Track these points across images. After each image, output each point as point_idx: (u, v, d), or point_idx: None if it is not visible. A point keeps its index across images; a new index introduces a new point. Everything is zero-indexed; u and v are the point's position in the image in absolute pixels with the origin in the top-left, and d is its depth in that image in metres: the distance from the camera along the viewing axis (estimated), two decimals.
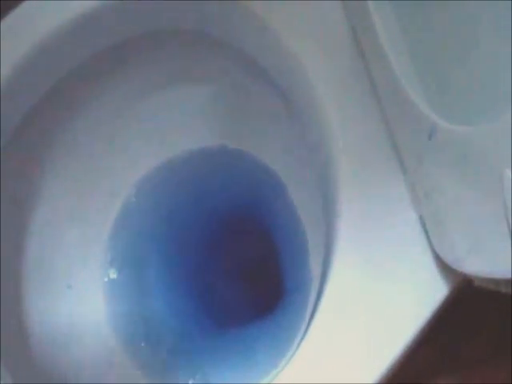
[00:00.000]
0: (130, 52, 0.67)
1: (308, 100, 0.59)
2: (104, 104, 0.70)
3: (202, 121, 0.73)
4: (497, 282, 0.43)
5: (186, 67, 0.70)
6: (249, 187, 0.73)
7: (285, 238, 0.71)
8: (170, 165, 0.74)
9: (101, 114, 0.70)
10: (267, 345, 0.67)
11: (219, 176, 0.74)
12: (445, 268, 0.50)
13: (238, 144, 0.73)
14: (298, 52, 0.58)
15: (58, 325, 0.68)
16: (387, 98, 0.55)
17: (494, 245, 0.41)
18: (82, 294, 0.70)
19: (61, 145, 0.70)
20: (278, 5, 0.59)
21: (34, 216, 0.69)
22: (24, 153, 0.67)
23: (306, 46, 0.58)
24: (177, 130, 0.73)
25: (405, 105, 0.49)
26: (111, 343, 0.69)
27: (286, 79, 0.63)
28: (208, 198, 0.74)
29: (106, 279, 0.71)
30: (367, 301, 0.52)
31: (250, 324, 0.69)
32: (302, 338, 0.52)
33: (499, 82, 0.41)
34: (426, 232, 0.52)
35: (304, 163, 0.65)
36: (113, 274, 0.72)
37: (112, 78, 0.69)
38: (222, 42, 0.66)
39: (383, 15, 0.53)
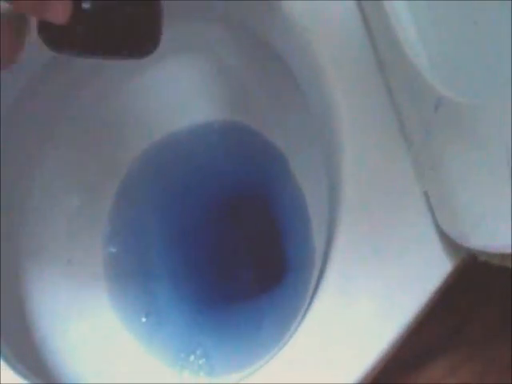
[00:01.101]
0: None
1: (313, 74, 0.58)
2: (107, 75, 0.70)
3: (205, 94, 0.73)
4: (502, 256, 0.42)
5: (187, 39, 0.70)
6: (251, 161, 0.73)
7: (287, 213, 0.70)
8: (172, 138, 0.73)
9: (104, 85, 0.70)
10: (270, 320, 0.67)
11: (221, 150, 0.74)
12: (449, 244, 0.50)
13: (241, 118, 0.72)
14: (304, 27, 0.58)
15: (58, 300, 0.68)
16: (394, 70, 0.54)
17: (499, 219, 0.41)
18: (82, 269, 0.70)
19: (63, 115, 0.69)
20: None
21: (33, 188, 0.69)
22: (25, 123, 0.66)
23: (312, 21, 0.58)
24: (179, 103, 0.73)
25: (411, 76, 0.49)
26: (111, 318, 0.69)
27: (292, 54, 0.62)
28: (210, 171, 0.74)
29: (106, 253, 0.71)
30: (370, 276, 0.52)
31: (253, 299, 0.69)
32: (305, 315, 0.52)
33: (505, 55, 0.40)
34: (431, 207, 0.52)
35: (308, 139, 0.65)
36: (113, 248, 0.71)
37: None
38: (227, 15, 0.65)
39: None
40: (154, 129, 0.73)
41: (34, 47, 0.58)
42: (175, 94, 0.72)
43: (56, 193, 0.70)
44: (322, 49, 0.57)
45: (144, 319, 0.69)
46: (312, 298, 0.52)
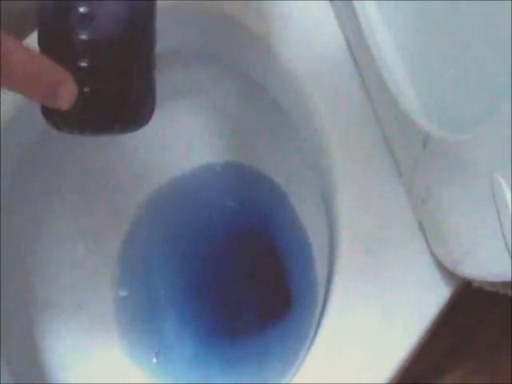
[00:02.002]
0: None
1: (307, 115, 0.60)
2: None
3: (205, 137, 0.74)
4: (493, 283, 0.44)
5: (186, 85, 0.72)
6: (253, 199, 0.74)
7: (289, 245, 0.72)
8: (176, 181, 0.74)
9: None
10: (278, 351, 0.68)
11: (224, 190, 0.75)
12: (446, 270, 0.52)
13: (241, 159, 0.74)
14: (294, 67, 0.59)
15: (70, 343, 0.68)
16: (381, 107, 0.56)
17: (488, 248, 0.42)
18: (93, 312, 0.71)
19: (69, 163, 0.70)
20: (275, 22, 0.61)
21: (42, 234, 0.69)
22: (33, 172, 0.67)
23: (302, 60, 0.60)
24: (181, 147, 0.74)
25: (399, 116, 0.51)
26: (123, 361, 0.69)
27: (283, 94, 0.64)
28: (214, 211, 0.75)
29: (116, 296, 0.72)
30: (372, 305, 0.53)
31: (259, 332, 0.70)
32: (311, 344, 0.53)
33: (487, 91, 0.42)
34: (425, 236, 0.53)
35: (306, 175, 0.66)
36: (123, 291, 0.72)
37: None
38: (223, 61, 0.67)
39: (375, 26, 0.54)
40: (158, 173, 0.74)
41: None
42: (177, 138, 0.74)
43: (64, 239, 0.71)
44: (315, 91, 0.59)
45: (154, 359, 0.70)
46: (316, 329, 0.54)
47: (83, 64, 0.38)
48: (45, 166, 0.68)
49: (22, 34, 0.62)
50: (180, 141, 0.74)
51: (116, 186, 0.73)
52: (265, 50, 0.61)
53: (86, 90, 0.38)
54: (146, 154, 0.74)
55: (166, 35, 0.64)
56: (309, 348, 0.54)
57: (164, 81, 0.69)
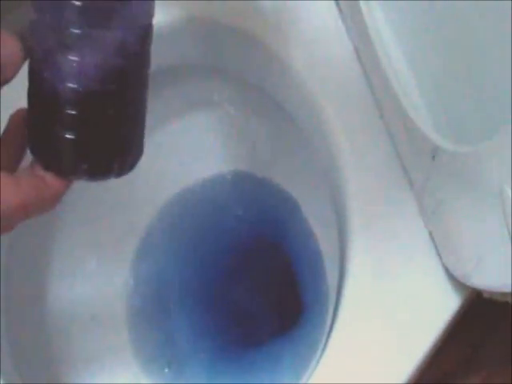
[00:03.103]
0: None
1: (317, 124, 0.61)
2: None
3: (215, 148, 0.75)
4: (504, 294, 0.44)
5: (195, 96, 0.72)
6: (264, 208, 0.75)
7: (301, 254, 0.72)
8: (187, 192, 0.75)
9: None
10: (290, 360, 0.68)
11: (235, 199, 0.76)
12: (456, 281, 0.52)
13: (252, 168, 0.74)
14: (306, 79, 0.60)
15: (84, 354, 0.69)
16: (392, 119, 0.56)
17: (497, 259, 0.42)
18: (106, 324, 0.71)
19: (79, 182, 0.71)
20: (288, 37, 0.61)
21: (55, 248, 0.70)
22: None
23: (313, 72, 0.60)
24: (192, 157, 0.75)
25: (408, 127, 0.51)
26: (135, 371, 0.70)
27: (296, 106, 0.65)
28: (225, 220, 0.75)
29: (129, 306, 0.72)
30: (382, 314, 0.53)
31: (272, 342, 0.71)
32: (322, 354, 0.54)
33: (496, 104, 0.42)
34: (436, 247, 0.53)
35: (317, 184, 0.67)
36: (136, 301, 0.73)
37: None
38: (231, 71, 0.68)
39: (384, 40, 0.54)
40: (170, 184, 0.75)
41: None
42: (189, 149, 0.74)
43: (77, 251, 0.71)
44: (327, 103, 0.59)
45: (167, 369, 0.70)
46: (327, 338, 0.54)
47: (70, 112, 0.37)
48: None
49: None
50: (192, 152, 0.75)
51: (128, 197, 0.73)
52: (277, 63, 0.62)
53: (72, 137, 0.38)
54: (159, 165, 0.73)
55: (181, 49, 0.66)
56: (320, 358, 0.54)
57: (178, 93, 0.71)
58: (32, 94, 0.38)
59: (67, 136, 0.38)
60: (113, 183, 0.72)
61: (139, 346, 0.71)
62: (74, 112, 0.37)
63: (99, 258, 0.73)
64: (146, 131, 0.74)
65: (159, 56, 0.65)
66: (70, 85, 0.36)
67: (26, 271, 0.67)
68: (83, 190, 0.71)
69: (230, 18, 0.62)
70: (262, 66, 0.65)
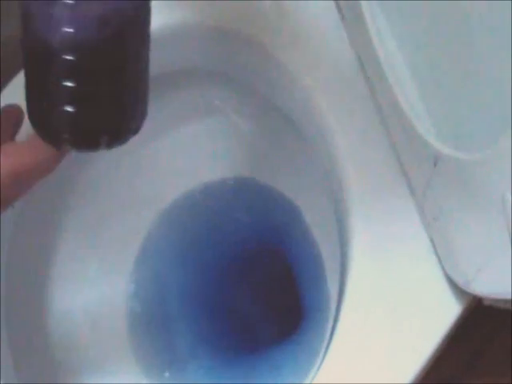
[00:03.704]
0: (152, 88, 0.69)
1: (318, 130, 0.61)
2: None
3: (217, 153, 0.75)
4: (505, 301, 0.44)
5: (198, 103, 0.72)
6: (266, 215, 0.75)
7: (302, 260, 0.72)
8: (188, 197, 0.75)
9: (121, 149, 0.71)
10: (290, 365, 0.68)
11: (237, 205, 0.76)
12: (457, 287, 0.52)
13: (254, 174, 0.74)
14: (308, 84, 0.60)
15: (84, 358, 0.69)
16: (393, 125, 0.56)
17: (499, 266, 0.42)
18: (106, 329, 0.71)
19: (82, 180, 0.71)
20: (289, 42, 0.61)
21: (56, 253, 0.70)
22: (46, 187, 0.67)
23: (315, 78, 0.60)
24: (194, 162, 0.75)
25: (410, 134, 0.51)
26: (136, 375, 0.70)
27: (298, 113, 0.65)
28: (227, 226, 0.75)
29: (130, 310, 0.72)
30: (383, 321, 0.53)
31: (272, 347, 0.71)
32: (323, 359, 0.54)
33: (499, 111, 0.42)
34: (437, 253, 0.53)
35: (319, 190, 0.67)
36: (136, 308, 0.73)
37: None
38: (233, 78, 0.68)
39: (386, 45, 0.54)
40: (171, 189, 0.75)
41: None
42: (188, 154, 0.74)
43: (77, 256, 0.71)
44: (328, 110, 0.59)
45: (167, 373, 0.70)
46: (328, 344, 0.54)
47: (68, 83, 0.36)
48: (57, 182, 0.68)
49: None
50: (194, 157, 0.75)
51: (130, 202, 0.74)
52: (279, 68, 0.62)
53: (72, 109, 0.37)
54: (160, 170, 0.74)
55: (181, 54, 0.66)
56: (320, 363, 0.54)
57: (180, 99, 0.71)
58: (27, 64, 0.38)
59: (63, 95, 0.37)
60: (114, 187, 0.73)
61: (139, 351, 0.71)
62: (70, 61, 0.36)
63: (100, 262, 0.73)
64: (148, 136, 0.74)
65: (160, 61, 0.66)
66: (66, 29, 0.35)
67: (27, 276, 0.67)
68: (85, 195, 0.71)
69: (230, 22, 0.63)
70: (264, 71, 0.65)
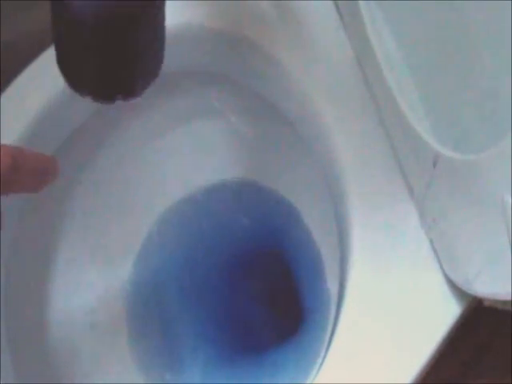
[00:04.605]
0: (150, 90, 0.69)
1: (316, 131, 0.61)
2: (124, 142, 0.72)
3: (218, 155, 0.75)
4: (505, 302, 0.44)
5: (199, 104, 0.72)
6: (265, 216, 0.75)
7: (302, 262, 0.72)
8: (189, 198, 0.75)
9: (121, 151, 0.72)
10: (290, 367, 0.68)
11: (237, 206, 0.76)
12: (457, 288, 0.52)
13: (253, 176, 0.75)
14: (306, 86, 0.60)
15: (83, 363, 0.69)
16: (392, 126, 0.56)
17: (498, 267, 0.42)
18: (105, 332, 0.71)
19: (80, 184, 0.71)
20: (289, 43, 0.62)
21: (54, 256, 0.70)
22: (45, 195, 0.68)
23: (314, 79, 0.60)
24: (194, 165, 0.75)
25: (409, 134, 0.51)
26: (136, 378, 0.70)
27: (296, 114, 0.65)
28: (227, 228, 0.75)
29: (129, 313, 0.72)
30: (382, 322, 0.53)
31: (272, 349, 0.71)
32: (323, 361, 0.54)
33: (499, 112, 0.43)
34: (437, 255, 0.53)
35: (318, 192, 0.67)
36: (136, 308, 0.73)
37: (131, 116, 0.71)
38: (236, 80, 0.68)
39: (385, 45, 0.55)
40: (170, 192, 0.75)
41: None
42: (188, 156, 0.75)
43: (76, 260, 0.71)
44: (326, 110, 0.59)
45: (167, 375, 0.70)
46: (328, 345, 0.54)
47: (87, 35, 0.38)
48: (57, 184, 0.68)
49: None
50: (194, 159, 0.75)
51: (130, 203, 0.74)
52: (279, 71, 0.62)
53: (89, 64, 0.39)
54: (160, 172, 0.74)
55: (180, 55, 0.66)
56: (320, 365, 0.54)
57: (180, 101, 0.72)
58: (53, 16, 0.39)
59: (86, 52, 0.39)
60: (112, 190, 0.73)
61: (139, 352, 0.71)
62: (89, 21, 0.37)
63: (99, 262, 0.73)
64: (148, 137, 0.74)
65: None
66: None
67: (27, 276, 0.67)
68: (84, 196, 0.72)
69: (230, 24, 0.63)
70: (263, 72, 0.65)
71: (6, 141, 0.59)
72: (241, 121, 0.73)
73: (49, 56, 0.63)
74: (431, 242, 0.54)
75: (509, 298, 0.42)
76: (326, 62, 0.61)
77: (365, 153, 0.58)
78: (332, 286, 0.66)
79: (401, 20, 0.54)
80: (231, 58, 0.66)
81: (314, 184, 0.67)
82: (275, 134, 0.71)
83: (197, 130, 0.74)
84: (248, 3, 0.62)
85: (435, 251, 0.53)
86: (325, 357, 0.54)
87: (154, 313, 0.73)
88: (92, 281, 0.72)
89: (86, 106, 0.65)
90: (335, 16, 0.62)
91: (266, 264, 0.74)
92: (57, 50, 0.41)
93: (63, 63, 0.42)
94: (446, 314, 0.53)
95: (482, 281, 0.45)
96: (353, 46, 0.60)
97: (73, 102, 0.63)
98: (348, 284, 0.55)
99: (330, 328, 0.57)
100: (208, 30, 0.64)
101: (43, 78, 0.63)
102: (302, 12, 0.62)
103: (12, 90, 0.64)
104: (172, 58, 0.65)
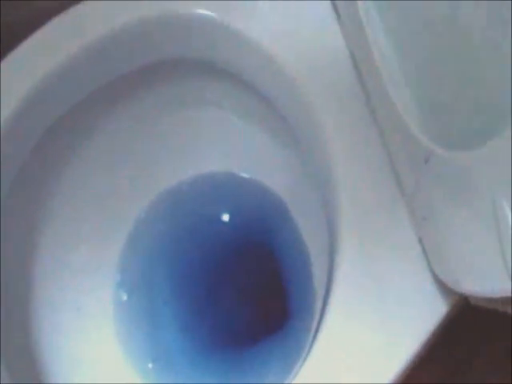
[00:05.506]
0: (140, 79, 0.69)
1: (308, 126, 0.61)
2: (115, 128, 0.72)
3: (209, 145, 0.75)
4: (491, 300, 0.44)
5: (192, 94, 0.72)
6: (254, 211, 0.75)
7: (289, 259, 0.72)
8: (178, 188, 0.75)
9: (111, 138, 0.72)
10: (275, 362, 0.68)
11: (226, 200, 0.76)
12: (444, 287, 0.52)
13: (243, 168, 0.75)
14: (299, 81, 0.60)
15: (68, 345, 0.69)
16: (385, 122, 0.56)
17: (486, 265, 0.43)
18: (91, 316, 0.71)
19: (71, 169, 0.71)
20: (281, 35, 0.61)
21: (43, 238, 0.70)
22: (34, 177, 0.68)
23: (307, 75, 0.60)
24: (185, 154, 0.75)
25: (401, 130, 0.51)
26: (120, 364, 0.70)
27: (289, 108, 0.65)
28: (215, 219, 0.76)
29: (115, 301, 0.72)
30: (369, 319, 0.53)
31: (258, 343, 0.71)
32: (307, 357, 0.54)
33: (491, 109, 0.43)
34: (426, 253, 0.53)
35: (307, 187, 0.67)
36: (122, 296, 0.73)
37: (123, 103, 0.71)
38: (228, 71, 0.67)
39: (380, 43, 0.55)
40: (159, 181, 0.75)
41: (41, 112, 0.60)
42: (178, 146, 0.75)
43: (65, 243, 0.71)
44: (320, 105, 0.59)
45: (151, 365, 0.70)
46: (312, 342, 0.54)
47: None
48: (45, 170, 0.69)
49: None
50: (183, 149, 0.75)
51: (118, 192, 0.74)
52: (271, 63, 0.62)
53: None
54: (149, 161, 0.75)
55: (175, 45, 0.66)
56: (302, 364, 0.54)
57: (171, 90, 0.72)
58: None
59: None
60: (102, 177, 0.73)
61: (124, 339, 0.71)
62: None
63: (86, 251, 0.73)
64: (137, 127, 0.74)
65: (152, 51, 0.66)
66: None
67: (13, 260, 0.66)
68: (72, 184, 0.71)
69: (226, 16, 0.63)
70: (257, 66, 0.65)
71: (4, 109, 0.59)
72: (234, 113, 0.73)
73: (37, 39, 0.63)
74: (420, 240, 0.54)
75: (495, 296, 0.42)
76: (320, 57, 0.61)
77: (358, 150, 0.58)
78: (319, 283, 0.66)
79: (396, 20, 0.54)
80: (221, 50, 0.66)
81: (306, 180, 0.68)
82: (269, 129, 0.71)
83: (188, 120, 0.74)
84: None
85: (424, 249, 0.53)
86: (307, 355, 0.54)
87: (140, 301, 0.73)
88: (79, 265, 0.72)
89: (75, 91, 0.65)
90: (332, 13, 0.62)
91: (253, 258, 0.74)
92: None
93: None
94: (432, 312, 0.53)
95: (469, 279, 0.45)
96: (348, 44, 0.60)
97: (62, 85, 0.63)
98: (334, 280, 0.55)
99: (314, 327, 0.57)
100: (203, 22, 0.64)
101: (31, 62, 0.63)
102: (297, 8, 0.62)
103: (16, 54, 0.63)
104: (166, 47, 0.66)
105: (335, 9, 0.61)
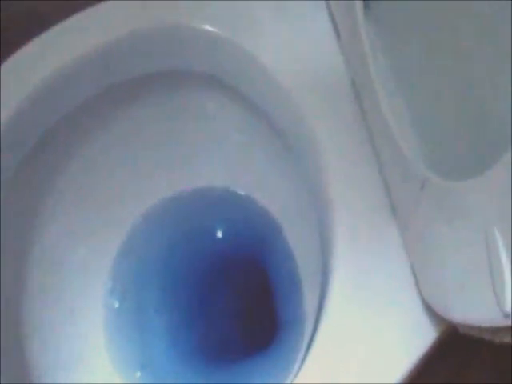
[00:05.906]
0: (141, 88, 0.69)
1: (307, 146, 0.61)
2: (113, 137, 0.72)
3: (207, 159, 0.75)
4: (480, 329, 0.44)
5: (187, 109, 0.73)
6: (247, 227, 0.75)
7: (279, 276, 0.72)
8: (175, 199, 0.75)
9: (109, 145, 0.72)
10: (264, 375, 0.68)
11: (220, 214, 0.76)
12: (433, 313, 0.52)
13: (238, 185, 0.75)
14: (299, 101, 0.61)
15: (58, 348, 0.69)
16: (381, 146, 0.57)
17: (476, 295, 0.43)
18: (83, 320, 0.71)
19: (67, 174, 0.71)
20: (283, 57, 0.62)
21: (37, 242, 0.70)
22: (30, 181, 0.68)
23: (307, 96, 0.61)
24: (183, 165, 0.75)
25: (397, 156, 0.51)
26: (108, 370, 0.70)
27: (285, 123, 0.65)
28: (209, 233, 0.76)
29: (106, 307, 0.72)
30: (358, 343, 0.53)
31: (246, 356, 0.71)
32: (296, 374, 0.54)
33: (488, 140, 0.43)
34: (416, 279, 0.53)
35: (302, 207, 0.67)
36: (114, 303, 0.73)
37: (122, 111, 0.71)
38: (227, 84, 0.68)
39: (380, 68, 0.55)
40: (155, 191, 0.75)
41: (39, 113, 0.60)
42: (179, 156, 0.75)
43: (61, 246, 0.71)
44: (315, 120, 0.60)
45: (139, 373, 0.70)
46: (301, 363, 0.54)
47: None
48: (41, 176, 0.69)
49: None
50: (180, 160, 0.75)
51: (114, 200, 0.74)
52: (269, 79, 0.62)
53: None
54: (147, 169, 0.75)
55: (176, 56, 0.67)
56: (295, 375, 0.54)
57: (172, 101, 0.72)
58: None
59: None
60: (102, 180, 0.73)
61: (114, 346, 0.71)
62: None
63: (84, 254, 0.73)
64: (136, 132, 0.75)
65: (151, 62, 0.67)
66: None
67: (7, 260, 0.66)
68: (69, 189, 0.72)
69: (226, 31, 0.63)
70: (253, 79, 0.65)
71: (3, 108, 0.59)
72: (231, 128, 0.73)
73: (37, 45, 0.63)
74: (412, 265, 0.54)
75: (485, 325, 0.42)
76: (318, 74, 0.62)
77: (352, 170, 0.59)
78: (308, 297, 0.66)
79: (396, 42, 0.54)
80: (221, 62, 0.66)
81: (298, 195, 0.68)
82: (265, 144, 0.72)
83: (186, 132, 0.74)
84: (242, 9, 0.63)
85: (414, 275, 0.54)
86: (297, 372, 0.54)
87: (131, 309, 0.73)
88: (73, 269, 0.72)
89: (74, 95, 0.66)
90: (331, 32, 0.62)
91: (245, 272, 0.75)
92: None
93: None
94: (421, 339, 0.53)
95: (459, 307, 0.46)
96: (347, 65, 0.61)
97: (62, 90, 0.64)
98: (327, 302, 0.55)
99: (304, 342, 0.57)
100: (198, 33, 0.64)
101: (34, 63, 0.63)
102: (297, 24, 0.63)
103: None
104: (161, 58, 0.66)
105: (335, 29, 0.62)
